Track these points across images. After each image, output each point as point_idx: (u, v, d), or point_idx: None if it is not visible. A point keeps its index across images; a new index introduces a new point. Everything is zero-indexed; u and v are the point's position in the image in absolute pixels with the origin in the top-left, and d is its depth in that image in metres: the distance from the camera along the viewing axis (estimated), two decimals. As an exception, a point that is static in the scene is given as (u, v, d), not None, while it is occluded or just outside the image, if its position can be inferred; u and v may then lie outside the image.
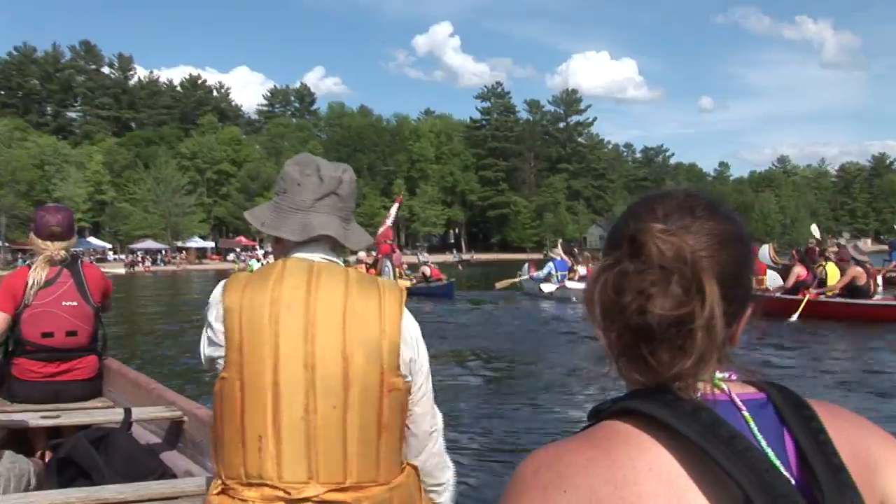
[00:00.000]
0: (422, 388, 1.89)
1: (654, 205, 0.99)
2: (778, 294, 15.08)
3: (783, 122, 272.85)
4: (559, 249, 26.37)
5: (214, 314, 1.78)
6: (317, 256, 1.90)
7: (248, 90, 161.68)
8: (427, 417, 1.93)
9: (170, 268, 67.38)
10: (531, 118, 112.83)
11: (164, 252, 75.40)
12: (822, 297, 14.55)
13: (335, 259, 1.94)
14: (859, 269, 14.54)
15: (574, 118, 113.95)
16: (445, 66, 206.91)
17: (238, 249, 69.50)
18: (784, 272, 16.47)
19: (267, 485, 1.68)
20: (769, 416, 0.94)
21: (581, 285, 22.16)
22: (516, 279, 25.42)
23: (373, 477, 1.76)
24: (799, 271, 15.42)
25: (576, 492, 0.88)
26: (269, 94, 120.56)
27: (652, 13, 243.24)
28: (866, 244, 16.22)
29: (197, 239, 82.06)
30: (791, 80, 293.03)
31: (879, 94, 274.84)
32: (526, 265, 26.98)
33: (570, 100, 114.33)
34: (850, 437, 0.93)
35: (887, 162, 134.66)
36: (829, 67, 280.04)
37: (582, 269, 23.78)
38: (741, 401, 0.93)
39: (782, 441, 0.91)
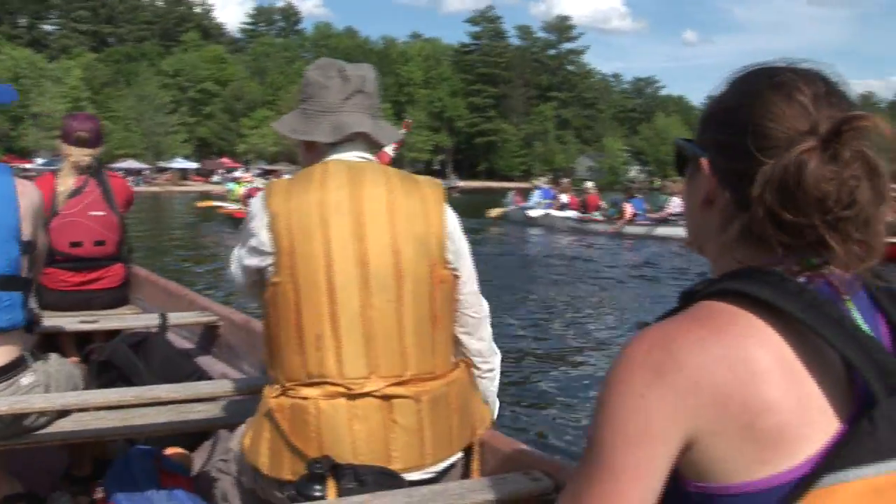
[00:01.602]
0: (468, 275, 1.95)
1: (800, 84, 0.97)
2: None
3: (768, 58, 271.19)
4: (545, 178, 26.76)
5: (258, 223, 1.79)
6: (354, 156, 1.92)
7: (227, 10, 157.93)
8: (477, 299, 2.00)
9: (152, 188, 66.75)
10: (522, 44, 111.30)
11: (145, 172, 74.65)
12: None
13: (371, 157, 1.96)
14: None
15: (565, 46, 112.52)
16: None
17: (222, 171, 68.87)
18: None
19: (329, 382, 1.73)
20: (865, 300, 0.97)
21: (565, 213, 22.61)
22: (506, 208, 25.48)
23: (430, 369, 1.82)
24: None
25: (690, 371, 0.88)
26: (253, 13, 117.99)
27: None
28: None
29: (179, 159, 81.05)
30: (777, 15, 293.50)
31: (864, 34, 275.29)
32: (511, 193, 26.92)
33: (561, 27, 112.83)
34: None
35: (873, 101, 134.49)
36: (816, 4, 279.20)
37: (564, 198, 23.72)
38: (840, 283, 0.95)
39: (878, 324, 0.95)
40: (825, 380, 0.89)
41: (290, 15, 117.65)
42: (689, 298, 0.98)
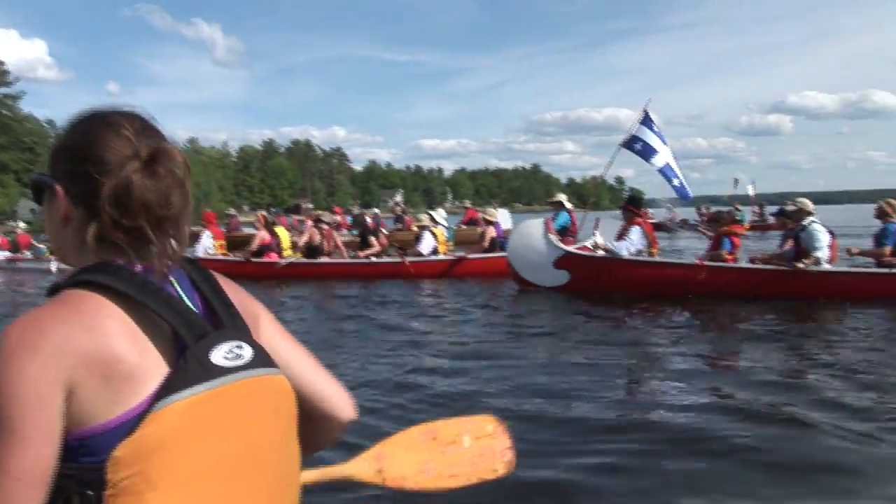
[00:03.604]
0: None
1: (124, 122, 1.19)
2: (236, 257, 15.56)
3: (184, 111, 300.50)
4: None
5: None
6: None
7: None
8: None
9: None
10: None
11: None
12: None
13: None
14: (315, 230, 15.83)
15: (2, 90, 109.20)
16: None
17: None
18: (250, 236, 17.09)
19: None
20: (185, 279, 1.24)
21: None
22: None
23: None
24: (263, 235, 15.59)
25: (58, 341, 1.04)
26: None
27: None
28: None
29: None
30: (189, 73, 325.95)
31: (258, 92, 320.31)
32: None
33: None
34: (238, 297, 1.32)
35: (275, 147, 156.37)
36: (220, 65, 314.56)
37: None
38: (163, 269, 1.18)
39: (194, 295, 1.23)
40: (157, 337, 1.12)
41: None
42: (54, 291, 1.14)
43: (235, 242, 19.75)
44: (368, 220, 20.59)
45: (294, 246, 16.13)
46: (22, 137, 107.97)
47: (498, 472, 1.82)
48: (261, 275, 14.77)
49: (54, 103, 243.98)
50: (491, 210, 16.64)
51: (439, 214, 17.72)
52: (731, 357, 7.30)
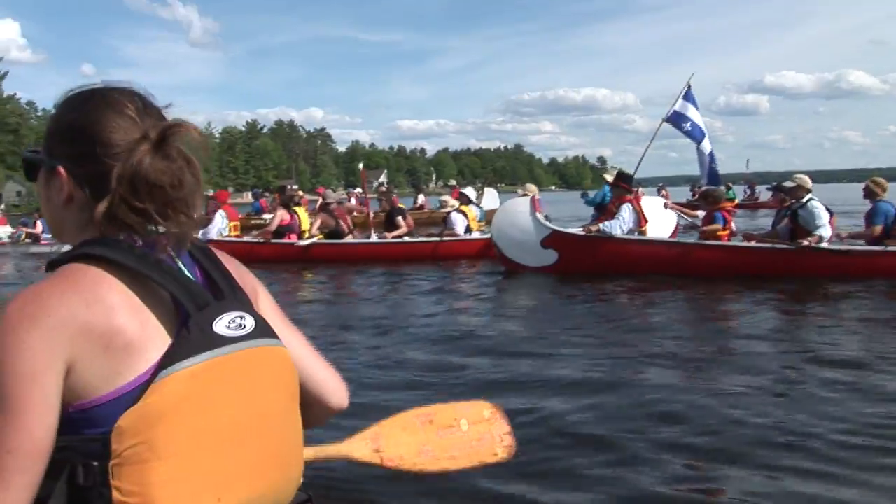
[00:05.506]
0: None
1: (126, 101, 1.19)
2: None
3: (160, 92, 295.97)
4: None
5: None
6: None
7: None
8: None
9: None
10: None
11: None
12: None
13: None
14: (325, 214, 14.58)
15: None
16: None
17: None
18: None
19: None
20: (187, 256, 1.23)
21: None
22: None
23: None
24: (282, 215, 14.24)
25: (58, 314, 1.03)
26: None
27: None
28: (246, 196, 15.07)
29: None
30: (164, 54, 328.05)
31: (234, 74, 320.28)
32: None
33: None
34: (238, 272, 1.32)
35: (258, 128, 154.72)
36: (196, 46, 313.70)
37: None
38: (166, 243, 1.17)
39: (194, 268, 1.23)
40: (158, 308, 1.12)
41: None
42: (54, 266, 1.14)
43: (251, 225, 19.35)
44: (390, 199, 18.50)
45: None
46: (6, 118, 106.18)
47: (498, 456, 1.86)
48: (281, 257, 13.53)
49: (28, 86, 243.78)
50: (531, 186, 13.88)
51: (471, 193, 16.28)
52: (733, 339, 6.75)
